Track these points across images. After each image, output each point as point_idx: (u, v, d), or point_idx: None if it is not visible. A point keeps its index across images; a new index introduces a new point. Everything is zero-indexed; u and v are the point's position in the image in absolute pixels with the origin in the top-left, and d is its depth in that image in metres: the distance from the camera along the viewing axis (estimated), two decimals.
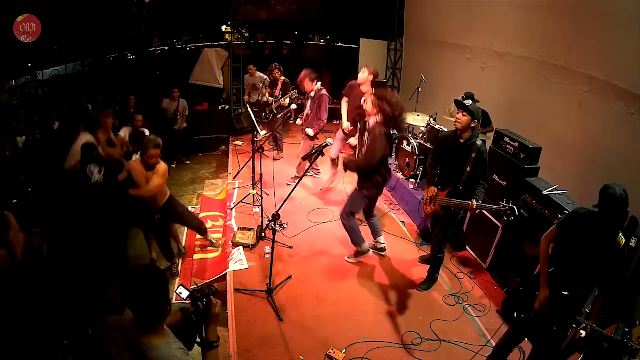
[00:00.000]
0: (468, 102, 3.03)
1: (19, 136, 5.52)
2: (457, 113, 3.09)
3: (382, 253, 4.09)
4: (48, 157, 4.69)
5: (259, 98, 6.67)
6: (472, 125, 3.04)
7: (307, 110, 5.21)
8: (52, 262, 2.74)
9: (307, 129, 5.14)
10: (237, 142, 7.05)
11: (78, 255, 3.24)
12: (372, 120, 3.53)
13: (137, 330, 1.57)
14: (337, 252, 4.16)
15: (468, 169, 3.08)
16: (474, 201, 2.96)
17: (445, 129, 4.95)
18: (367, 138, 3.57)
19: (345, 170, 3.77)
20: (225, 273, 3.75)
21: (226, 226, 4.62)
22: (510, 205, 2.82)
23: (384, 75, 8.55)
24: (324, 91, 5.07)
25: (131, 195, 3.52)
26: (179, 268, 4.16)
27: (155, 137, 3.57)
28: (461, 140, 3.11)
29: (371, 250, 4.05)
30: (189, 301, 1.74)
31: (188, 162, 7.03)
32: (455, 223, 3.40)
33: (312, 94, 5.08)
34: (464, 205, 3.05)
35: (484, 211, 3.89)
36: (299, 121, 5.44)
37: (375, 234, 4.03)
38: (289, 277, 3.72)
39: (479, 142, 3.08)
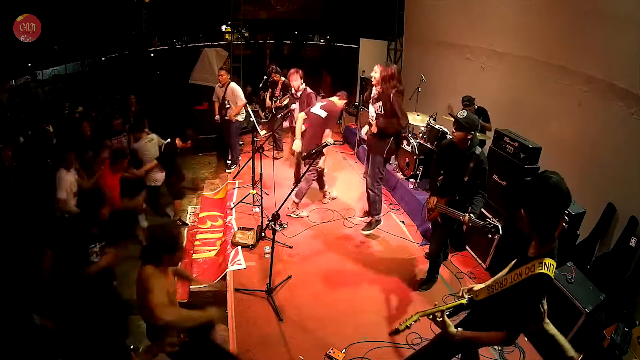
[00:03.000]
0: (463, 114, 2.97)
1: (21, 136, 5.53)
2: (454, 126, 3.06)
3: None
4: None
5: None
6: (468, 137, 3.02)
7: (292, 111, 5.22)
8: None
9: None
10: None
11: None
12: (378, 88, 3.83)
13: None
14: (337, 252, 4.16)
15: (466, 178, 3.07)
16: (467, 216, 2.97)
17: (446, 129, 4.96)
18: (381, 105, 3.84)
19: (384, 133, 3.89)
20: (225, 273, 3.75)
21: (226, 226, 4.62)
22: (495, 223, 2.83)
23: None
24: (309, 89, 5.20)
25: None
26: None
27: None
28: (460, 150, 3.09)
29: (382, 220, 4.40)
30: None
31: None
32: (455, 227, 3.39)
33: (298, 94, 5.20)
34: (458, 217, 3.06)
35: (484, 212, 3.92)
36: (286, 124, 5.49)
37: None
38: (289, 277, 3.71)
39: (478, 150, 3.05)
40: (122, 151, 4.40)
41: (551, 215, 1.63)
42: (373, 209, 4.25)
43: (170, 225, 2.34)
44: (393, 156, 5.40)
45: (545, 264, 1.64)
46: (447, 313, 1.98)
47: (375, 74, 3.82)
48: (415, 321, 2.03)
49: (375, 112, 3.94)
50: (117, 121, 5.73)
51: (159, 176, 4.83)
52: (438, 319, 1.97)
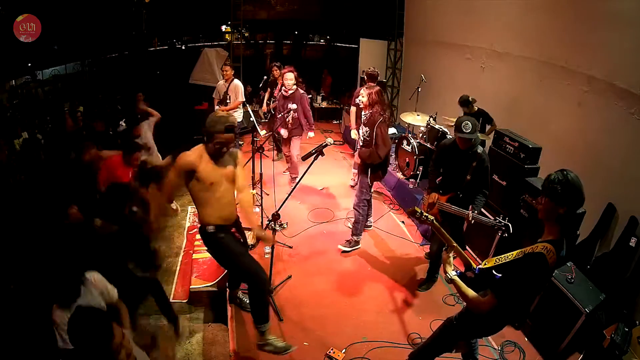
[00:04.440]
0: (468, 128, 2.94)
1: (16, 139, 5.51)
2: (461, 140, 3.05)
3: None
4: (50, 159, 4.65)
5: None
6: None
7: (291, 111, 5.02)
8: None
9: (309, 133, 5.26)
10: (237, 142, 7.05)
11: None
12: (367, 112, 3.85)
13: None
14: (337, 252, 4.16)
15: (468, 177, 3.08)
16: (471, 212, 2.98)
17: (446, 130, 4.96)
18: (367, 131, 3.86)
19: (368, 162, 3.91)
20: (226, 273, 3.75)
21: None
22: (506, 222, 2.83)
23: (384, 75, 8.55)
24: (302, 91, 5.14)
25: None
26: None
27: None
28: (462, 149, 3.09)
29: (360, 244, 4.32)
30: None
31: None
32: (455, 226, 3.39)
33: (289, 92, 5.00)
34: (462, 214, 3.06)
35: (483, 211, 3.91)
36: (284, 132, 5.29)
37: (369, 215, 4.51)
38: (289, 277, 3.72)
39: (479, 149, 3.06)
40: (136, 144, 4.15)
41: (575, 207, 1.76)
42: (354, 228, 4.18)
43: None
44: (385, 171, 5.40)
45: (546, 247, 1.76)
46: (456, 272, 2.07)
47: (363, 98, 3.85)
48: (429, 218, 2.25)
49: (362, 135, 3.96)
50: (100, 123, 5.43)
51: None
52: (446, 250, 2.11)
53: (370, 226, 4.58)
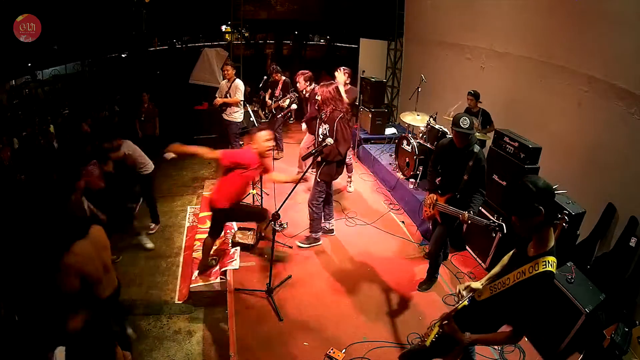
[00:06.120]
0: (466, 124, 2.93)
1: (15, 137, 5.52)
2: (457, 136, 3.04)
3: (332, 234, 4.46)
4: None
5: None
6: (468, 137, 3.02)
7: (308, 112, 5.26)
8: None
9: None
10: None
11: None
12: (325, 111, 3.80)
13: None
14: (337, 252, 4.16)
15: (465, 177, 3.07)
16: (466, 213, 2.98)
17: (446, 130, 4.96)
18: (327, 128, 3.78)
19: (328, 159, 3.81)
20: (225, 273, 3.75)
21: (226, 226, 4.61)
22: (499, 222, 2.82)
23: (384, 75, 8.55)
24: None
25: None
26: None
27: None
28: (459, 149, 3.08)
29: (321, 240, 4.29)
30: None
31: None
32: (455, 227, 3.39)
33: (307, 95, 5.22)
34: (458, 215, 3.06)
35: (484, 212, 3.92)
36: (304, 126, 5.45)
37: (330, 217, 4.39)
38: (289, 277, 3.72)
39: (476, 149, 3.05)
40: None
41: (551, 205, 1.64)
42: (311, 226, 4.16)
43: None
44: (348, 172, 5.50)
45: (548, 262, 1.69)
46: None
47: (318, 96, 3.81)
48: (437, 333, 2.12)
49: (321, 133, 3.85)
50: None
51: (150, 165, 4.56)
52: (446, 326, 2.03)
53: (332, 231, 4.43)
